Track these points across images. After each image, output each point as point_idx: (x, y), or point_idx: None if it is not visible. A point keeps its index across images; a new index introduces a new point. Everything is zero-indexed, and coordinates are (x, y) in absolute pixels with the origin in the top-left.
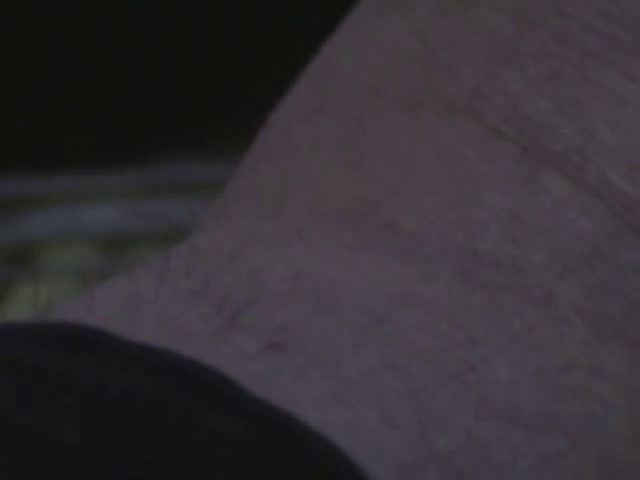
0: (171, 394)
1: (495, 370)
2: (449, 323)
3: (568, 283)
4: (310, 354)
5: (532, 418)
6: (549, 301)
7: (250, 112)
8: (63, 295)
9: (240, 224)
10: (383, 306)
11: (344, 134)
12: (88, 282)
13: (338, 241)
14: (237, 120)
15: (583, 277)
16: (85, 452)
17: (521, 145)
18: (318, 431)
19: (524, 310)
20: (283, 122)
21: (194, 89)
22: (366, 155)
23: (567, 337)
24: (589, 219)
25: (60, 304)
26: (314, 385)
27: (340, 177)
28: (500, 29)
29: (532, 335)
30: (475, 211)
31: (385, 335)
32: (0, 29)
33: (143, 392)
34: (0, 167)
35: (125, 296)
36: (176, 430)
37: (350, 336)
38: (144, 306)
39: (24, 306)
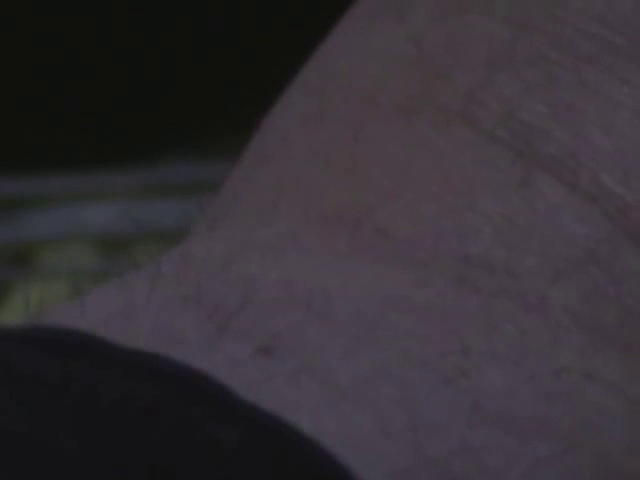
0: (165, 400)
1: (489, 376)
2: (442, 329)
3: (562, 288)
4: (303, 360)
5: (526, 423)
6: (543, 306)
7: (250, 112)
8: (63, 295)
9: (233, 230)
10: (376, 312)
11: (340, 140)
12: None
13: (332, 247)
14: (237, 120)
15: (577, 282)
16: (83, 459)
17: (515, 149)
18: (312, 438)
19: (518, 315)
20: (278, 128)
21: (194, 89)
22: (361, 161)
23: (561, 342)
24: (583, 224)
25: (52, 309)
26: (307, 391)
27: (334, 183)
28: (495, 34)
29: (526, 340)
30: (469, 216)
31: (378, 341)
32: (0, 29)
33: (138, 398)
34: (0, 167)
35: (117, 302)
36: (171, 436)
37: (343, 342)
38: (136, 312)
39: (24, 306)
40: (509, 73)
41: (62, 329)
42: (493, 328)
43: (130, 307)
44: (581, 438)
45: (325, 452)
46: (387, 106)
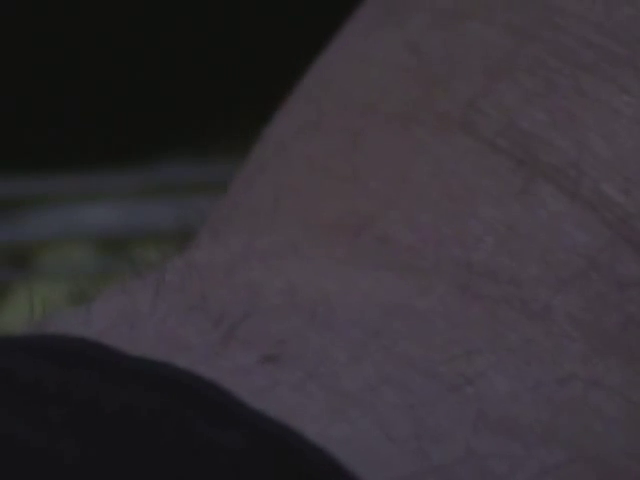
0: (170, 408)
1: (493, 383)
2: (446, 336)
3: (565, 296)
4: (307, 367)
5: (530, 431)
6: (546, 314)
7: (250, 113)
8: (62, 295)
9: (235, 238)
10: (379, 320)
11: (339, 148)
12: (88, 282)
13: (333, 255)
14: (237, 121)
15: (579, 290)
16: (85, 467)
17: (516, 158)
18: (317, 444)
19: (521, 323)
20: (278, 137)
21: (194, 89)
22: (360, 169)
23: (565, 350)
24: (584, 232)
25: (55, 316)
26: (312, 399)
27: (334, 191)
28: (495, 42)
29: (530, 348)
30: (470, 224)
31: (382, 348)
32: (0, 29)
33: (142, 406)
34: (0, 167)
35: (121, 310)
36: (176, 443)
37: (347, 350)
38: (140, 320)
39: (24, 306)
40: (509, 81)
41: (67, 337)
42: (497, 336)
43: (135, 315)
44: (585, 445)
45: (330, 458)
46: (386, 114)
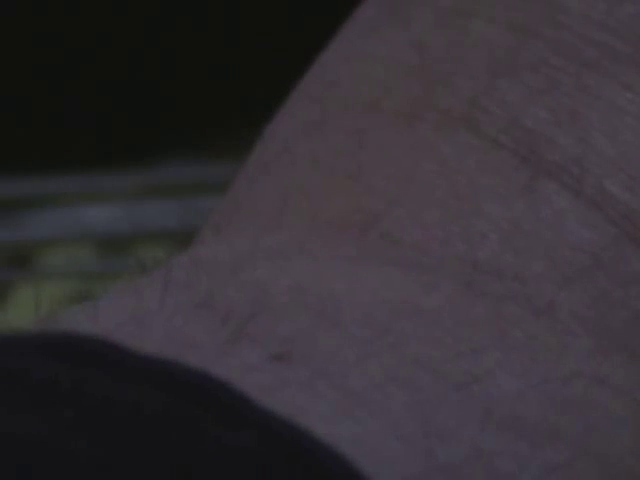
0: (180, 407)
1: (499, 381)
2: (452, 334)
3: (569, 293)
4: (316, 366)
5: (536, 429)
6: (551, 311)
7: (250, 113)
8: (63, 295)
9: (241, 237)
10: (385, 318)
11: (343, 147)
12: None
13: (339, 253)
14: (237, 121)
15: (584, 287)
16: (98, 465)
17: (519, 155)
18: (326, 443)
19: (526, 320)
20: (281, 136)
21: (194, 89)
22: (365, 167)
23: (570, 347)
24: (588, 229)
25: (63, 315)
26: (321, 397)
27: (340, 189)
28: (497, 40)
29: (535, 345)
30: (475, 221)
31: (388, 347)
32: (0, 29)
33: (152, 405)
34: (0, 167)
35: (129, 307)
36: (186, 441)
37: (354, 348)
38: (149, 317)
39: (24, 307)
40: (511, 79)
41: (76, 335)
42: (502, 333)
43: (143, 312)
44: (590, 444)
45: (339, 457)
46: (390, 112)
